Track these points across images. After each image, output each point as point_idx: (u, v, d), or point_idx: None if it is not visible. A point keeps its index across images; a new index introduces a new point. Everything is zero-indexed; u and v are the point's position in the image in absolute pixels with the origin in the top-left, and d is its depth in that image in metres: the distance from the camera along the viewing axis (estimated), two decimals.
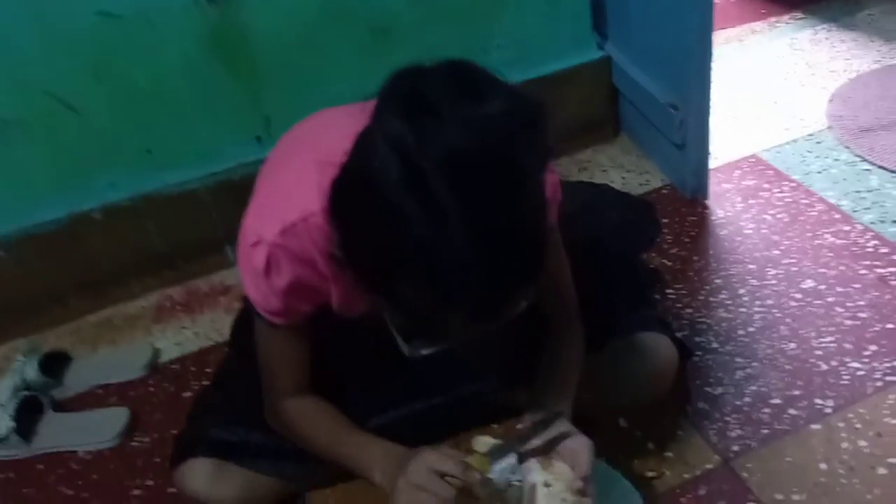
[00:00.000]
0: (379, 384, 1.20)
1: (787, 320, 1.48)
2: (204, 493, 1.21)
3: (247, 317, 1.34)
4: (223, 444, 1.22)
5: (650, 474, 1.24)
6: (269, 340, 1.10)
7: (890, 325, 1.44)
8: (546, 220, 0.86)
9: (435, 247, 0.75)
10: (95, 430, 1.46)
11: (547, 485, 1.00)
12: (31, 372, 1.54)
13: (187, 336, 1.70)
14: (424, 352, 0.96)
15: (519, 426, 1.07)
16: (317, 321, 1.10)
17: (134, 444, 1.45)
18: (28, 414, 1.47)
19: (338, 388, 1.16)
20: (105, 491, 1.37)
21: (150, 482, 1.37)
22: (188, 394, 1.53)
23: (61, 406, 1.54)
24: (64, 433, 1.46)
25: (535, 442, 1.04)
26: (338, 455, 1.10)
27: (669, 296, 1.59)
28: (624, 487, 1.18)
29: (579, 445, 1.03)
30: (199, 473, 1.21)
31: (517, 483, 1.01)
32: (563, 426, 1.05)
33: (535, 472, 1.01)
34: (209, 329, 1.70)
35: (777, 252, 1.66)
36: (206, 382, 1.52)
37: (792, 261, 1.63)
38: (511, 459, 1.03)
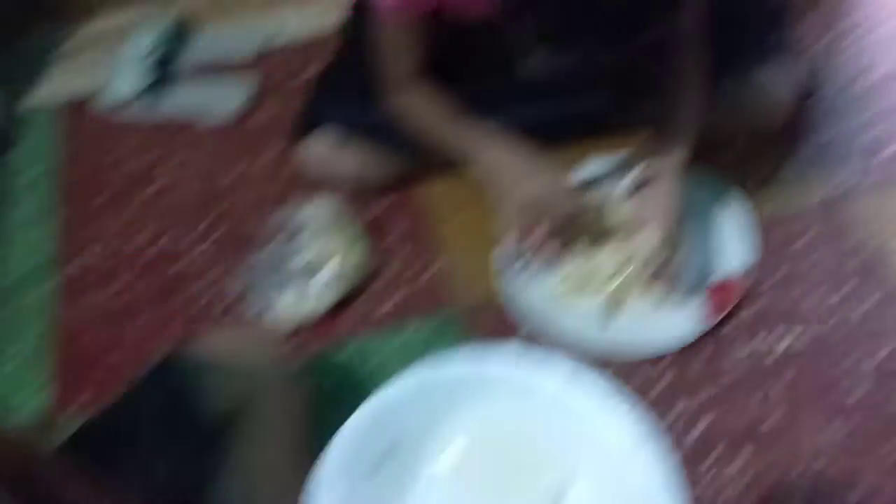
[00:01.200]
0: (489, 98, 1.21)
1: None
2: (325, 166, 1.30)
3: (358, 6, 1.37)
4: (344, 120, 1.29)
5: (766, 200, 1.25)
6: (388, 30, 1.12)
7: None
8: None
9: None
10: (216, 102, 1.54)
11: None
12: (161, 37, 1.60)
13: (305, 19, 1.70)
14: (547, 63, 0.98)
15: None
16: (431, 28, 1.12)
17: (255, 118, 1.54)
18: (155, 78, 1.56)
19: (462, 84, 1.18)
20: (229, 159, 1.47)
21: (269, 156, 1.46)
22: (308, 73, 1.56)
23: (184, 75, 1.62)
24: (191, 100, 1.55)
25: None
26: (448, 140, 1.15)
27: (793, 34, 1.52)
28: (720, 191, 1.22)
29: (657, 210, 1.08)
30: (319, 147, 1.30)
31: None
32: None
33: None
34: (324, 15, 1.68)
35: None
36: (320, 67, 1.57)
37: None
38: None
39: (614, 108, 1.28)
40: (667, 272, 1.08)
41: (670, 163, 1.11)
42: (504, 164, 1.08)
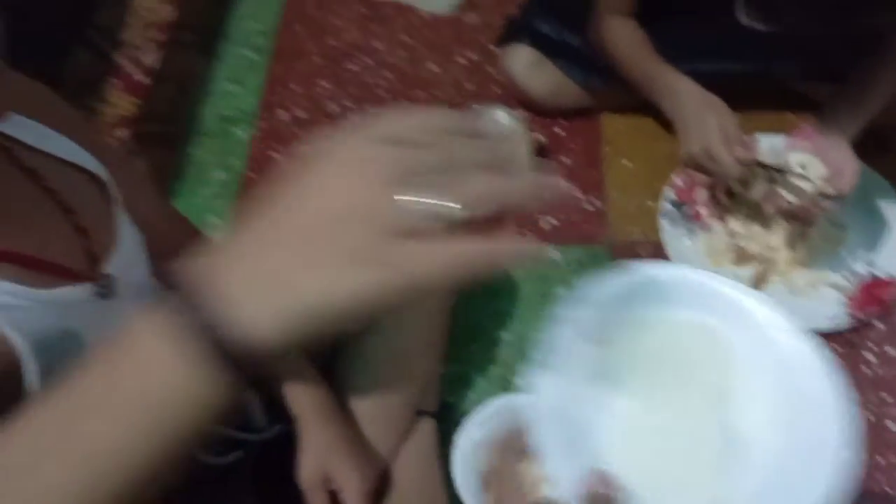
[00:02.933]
0: (697, 37, 1.24)
1: None
2: (521, 78, 1.37)
3: None
4: (546, 38, 1.36)
5: None
6: None
7: None
8: None
9: None
10: None
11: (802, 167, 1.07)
12: None
13: None
14: (756, 24, 0.98)
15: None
16: None
17: (465, 18, 1.62)
18: None
19: (660, 28, 1.22)
20: (436, 50, 1.57)
21: (474, 56, 1.55)
22: None
23: None
24: None
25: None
26: (637, 77, 1.18)
27: None
28: (887, 194, 1.21)
29: (845, 161, 1.06)
30: (520, 58, 1.37)
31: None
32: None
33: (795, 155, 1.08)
34: None
35: None
36: None
37: None
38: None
39: (802, 75, 1.28)
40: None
41: (842, 136, 1.10)
42: (681, 109, 1.10)
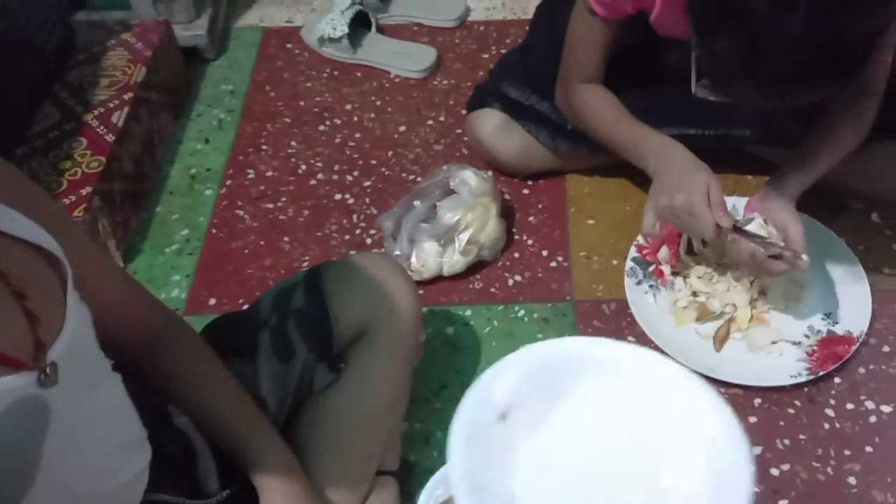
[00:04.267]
0: (658, 102, 1.27)
1: None
2: (488, 141, 1.40)
3: (549, 3, 1.44)
4: (514, 103, 1.39)
5: (886, 271, 1.27)
6: (584, 25, 1.18)
7: None
8: (883, 42, 0.87)
9: (772, 20, 0.82)
10: (407, 59, 1.67)
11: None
12: None
13: (496, 4, 1.82)
14: (708, 97, 1.03)
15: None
16: (627, 28, 1.18)
17: (435, 82, 1.66)
18: (357, 26, 1.70)
19: (619, 94, 1.25)
20: (405, 112, 1.60)
21: (442, 118, 1.58)
22: (486, 55, 1.69)
23: (382, 30, 1.76)
24: (382, 53, 1.68)
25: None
26: (617, 139, 1.20)
27: None
28: (843, 252, 1.25)
29: (790, 219, 1.10)
30: (488, 122, 1.41)
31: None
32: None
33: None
34: (515, 5, 1.80)
35: None
36: (503, 50, 1.67)
37: None
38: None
39: (757, 140, 1.32)
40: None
41: (792, 193, 1.13)
42: (669, 165, 1.11)
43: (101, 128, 1.38)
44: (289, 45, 1.75)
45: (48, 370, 0.59)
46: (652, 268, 1.26)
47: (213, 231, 1.41)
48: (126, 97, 1.42)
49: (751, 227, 1.09)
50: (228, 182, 1.49)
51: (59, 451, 0.60)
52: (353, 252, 1.35)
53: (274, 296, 0.97)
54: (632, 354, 0.52)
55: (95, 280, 0.70)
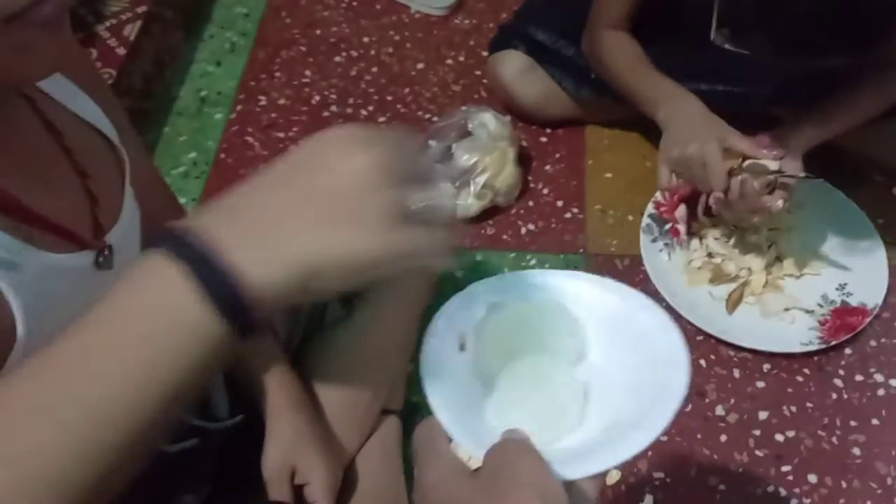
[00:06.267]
0: (679, 56, 1.24)
1: None
2: (511, 83, 1.36)
3: None
4: (540, 46, 1.35)
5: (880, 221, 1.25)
6: None
7: None
8: None
9: None
10: None
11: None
12: None
13: None
14: (725, 45, 1.00)
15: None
16: None
17: (457, 21, 1.61)
18: None
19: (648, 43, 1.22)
20: (424, 49, 1.56)
21: (461, 58, 1.54)
22: None
23: None
24: None
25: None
26: (633, 86, 1.17)
27: None
28: (862, 223, 1.23)
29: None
30: (512, 64, 1.37)
31: None
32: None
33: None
34: None
35: None
36: None
37: None
38: None
39: (772, 99, 1.28)
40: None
41: (801, 145, 1.10)
42: (682, 115, 1.09)
43: (113, 40, 1.33)
44: None
45: (107, 253, 0.59)
46: (668, 226, 1.24)
47: (222, 156, 1.38)
48: (139, 10, 1.37)
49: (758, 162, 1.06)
50: (239, 107, 1.45)
51: None
52: None
53: None
54: (574, 279, 0.54)
55: (141, 181, 0.69)
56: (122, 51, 1.32)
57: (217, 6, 1.62)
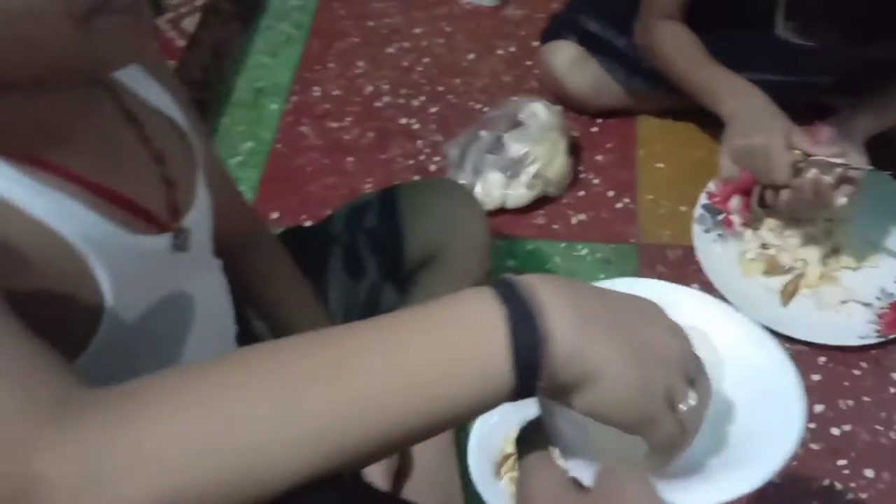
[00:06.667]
0: (743, 46, 1.22)
1: None
2: (562, 73, 1.36)
3: None
4: (591, 36, 1.35)
5: None
6: None
7: None
8: None
9: None
10: None
11: None
12: None
13: None
14: (793, 38, 0.99)
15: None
16: None
17: (507, 11, 1.61)
18: None
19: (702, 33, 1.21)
20: (475, 40, 1.56)
21: (512, 48, 1.54)
22: None
23: None
24: None
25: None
26: (693, 79, 1.16)
27: None
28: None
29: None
30: (563, 54, 1.37)
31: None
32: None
33: None
34: None
35: None
36: None
37: None
38: None
39: (842, 83, 1.24)
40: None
41: (862, 133, 1.10)
42: (749, 108, 1.08)
43: (173, 32, 1.36)
44: None
45: (183, 236, 0.62)
46: (721, 216, 1.23)
47: (278, 146, 1.40)
48: (198, 3, 1.41)
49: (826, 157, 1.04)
50: (294, 98, 1.47)
51: (173, 323, 0.64)
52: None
53: (347, 213, 0.96)
54: (680, 293, 0.53)
55: (208, 168, 0.71)
56: (181, 42, 1.35)
57: None
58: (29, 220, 0.51)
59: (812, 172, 1.02)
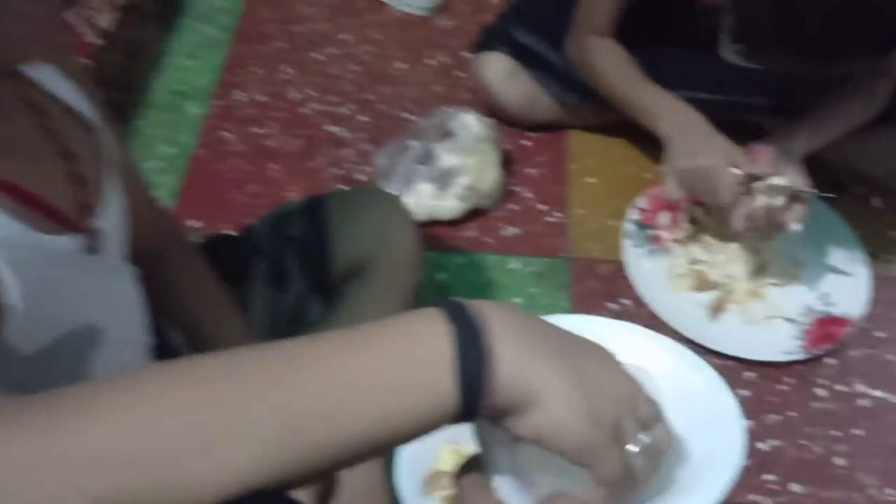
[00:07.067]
0: (677, 63, 1.24)
1: None
2: (494, 85, 1.35)
3: None
4: (524, 48, 1.34)
5: (883, 257, 1.25)
6: None
7: None
8: None
9: None
10: None
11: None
12: None
13: None
14: (739, 61, 0.99)
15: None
16: None
17: (439, 21, 1.59)
18: None
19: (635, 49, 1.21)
20: (406, 49, 1.53)
21: (443, 59, 1.52)
22: None
23: None
24: None
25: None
26: (627, 96, 1.17)
27: None
28: (843, 234, 1.23)
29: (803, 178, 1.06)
30: (495, 66, 1.35)
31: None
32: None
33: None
34: None
35: None
36: None
37: None
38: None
39: (777, 103, 1.27)
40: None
41: (798, 153, 1.11)
42: (688, 128, 1.09)
43: (88, 31, 1.29)
44: None
45: (94, 236, 0.59)
46: (651, 232, 1.23)
47: (199, 151, 1.34)
48: (115, 1, 1.33)
49: (774, 181, 1.05)
50: (216, 102, 1.41)
51: (82, 329, 0.60)
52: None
53: (272, 221, 0.92)
54: (616, 328, 0.54)
55: (123, 171, 0.67)
56: (96, 40, 1.28)
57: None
58: None
59: (760, 199, 1.03)
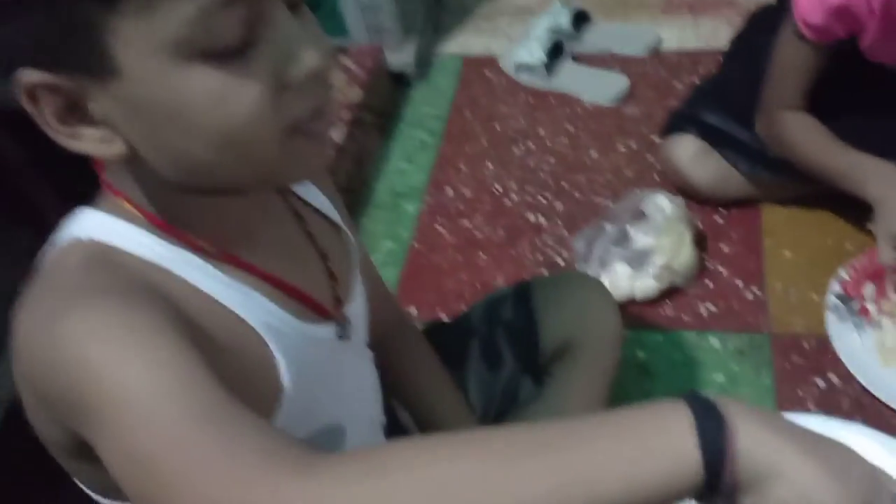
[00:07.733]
0: (873, 130, 1.23)
1: None
2: (685, 167, 1.41)
3: (747, 34, 1.45)
4: (712, 129, 1.39)
5: None
6: (791, 51, 1.18)
7: None
8: None
9: None
10: (600, 87, 1.71)
11: None
12: (564, 20, 1.80)
13: (688, 34, 1.82)
14: None
15: None
16: (839, 55, 1.16)
17: (627, 109, 1.69)
18: (553, 54, 1.76)
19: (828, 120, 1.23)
20: (597, 138, 1.64)
21: (633, 144, 1.61)
22: (678, 84, 1.70)
23: (576, 58, 1.81)
24: (575, 80, 1.73)
25: None
26: (829, 165, 1.19)
27: None
28: None
29: None
30: (684, 148, 1.42)
31: None
32: None
33: None
34: (709, 34, 1.80)
35: None
36: (695, 79, 1.68)
37: None
38: None
39: None
40: None
41: None
42: (884, 178, 1.10)
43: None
44: (486, 72, 1.83)
45: (346, 325, 0.68)
46: (856, 304, 1.22)
47: (415, 245, 1.51)
48: (345, 116, 1.56)
49: None
50: (429, 199, 1.59)
51: (339, 409, 0.69)
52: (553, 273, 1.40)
53: (484, 307, 1.03)
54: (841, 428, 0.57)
55: (362, 263, 0.78)
56: (331, 154, 1.49)
57: (407, 108, 1.79)
58: (223, 309, 0.58)
59: None
